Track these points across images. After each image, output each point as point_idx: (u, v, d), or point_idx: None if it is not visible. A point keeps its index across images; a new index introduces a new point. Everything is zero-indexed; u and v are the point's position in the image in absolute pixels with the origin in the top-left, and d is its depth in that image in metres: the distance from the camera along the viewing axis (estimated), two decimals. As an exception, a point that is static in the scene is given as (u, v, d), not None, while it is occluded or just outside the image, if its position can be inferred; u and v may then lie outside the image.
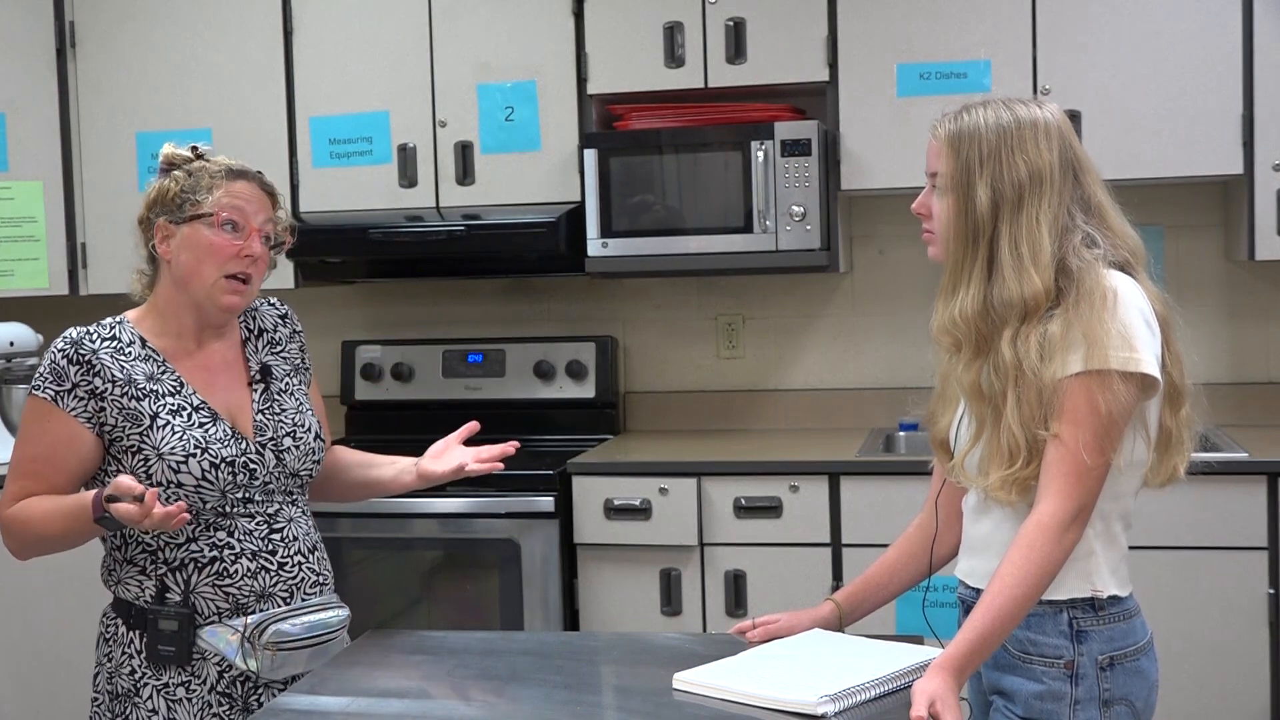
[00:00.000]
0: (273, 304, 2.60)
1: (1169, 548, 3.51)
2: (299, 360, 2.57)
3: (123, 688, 2.37)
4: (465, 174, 4.16)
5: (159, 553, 2.35)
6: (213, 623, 2.34)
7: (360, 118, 4.22)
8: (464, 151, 4.16)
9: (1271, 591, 3.49)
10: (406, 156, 4.19)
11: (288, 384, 2.50)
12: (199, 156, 2.44)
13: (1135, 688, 2.10)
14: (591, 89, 4.10)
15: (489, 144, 4.15)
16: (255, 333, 2.53)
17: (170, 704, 2.34)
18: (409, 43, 4.19)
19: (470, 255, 4.20)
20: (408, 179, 4.20)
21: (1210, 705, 3.53)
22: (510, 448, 2.52)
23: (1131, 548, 2.17)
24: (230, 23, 4.28)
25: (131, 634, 2.37)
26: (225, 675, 2.35)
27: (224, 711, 2.36)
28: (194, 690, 2.34)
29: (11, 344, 4.09)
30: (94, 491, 2.26)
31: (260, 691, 2.37)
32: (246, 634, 2.33)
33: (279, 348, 2.54)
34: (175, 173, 2.41)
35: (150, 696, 2.35)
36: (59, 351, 2.35)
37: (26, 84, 4.34)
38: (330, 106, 4.24)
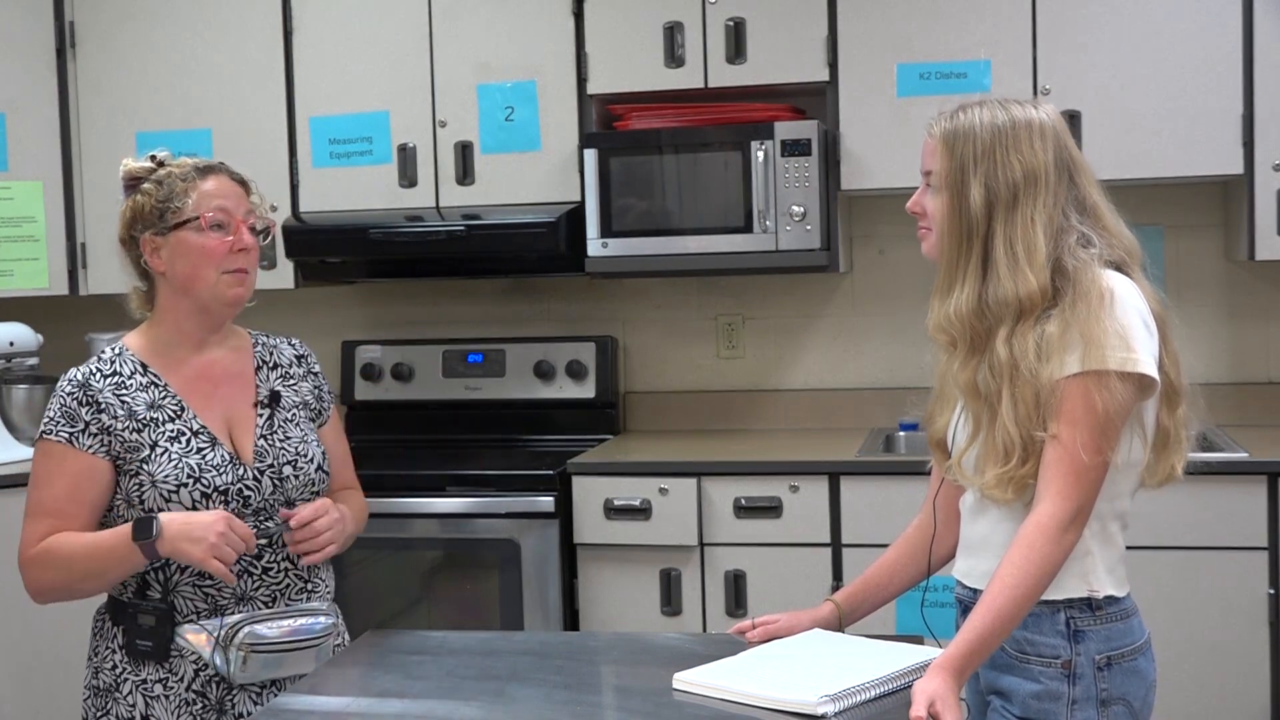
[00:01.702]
0: (292, 344, 2.60)
1: (1169, 548, 3.51)
2: (310, 397, 2.55)
3: (105, 682, 2.37)
4: (465, 174, 4.16)
5: None
6: (191, 620, 2.34)
7: (360, 118, 4.22)
8: (464, 151, 4.16)
9: (1271, 591, 3.49)
10: (406, 156, 4.19)
11: (295, 414, 2.49)
12: (160, 164, 2.42)
13: (1133, 687, 2.10)
14: (591, 89, 4.10)
15: (489, 144, 4.15)
16: (270, 365, 2.52)
17: (148, 700, 2.34)
18: (409, 43, 4.19)
19: (470, 255, 4.19)
20: (408, 179, 4.20)
21: (1210, 705, 3.53)
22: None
23: (1131, 548, 2.17)
24: (230, 23, 4.28)
25: (115, 629, 2.38)
26: (201, 674, 2.34)
27: (199, 711, 2.34)
28: (171, 688, 2.33)
29: (11, 344, 4.09)
30: (128, 524, 2.27)
31: (235, 694, 2.35)
32: (220, 634, 2.32)
33: (292, 382, 2.53)
34: (144, 186, 2.40)
35: (130, 692, 2.35)
36: (68, 395, 2.35)
37: (26, 84, 4.34)
38: (330, 106, 4.24)
